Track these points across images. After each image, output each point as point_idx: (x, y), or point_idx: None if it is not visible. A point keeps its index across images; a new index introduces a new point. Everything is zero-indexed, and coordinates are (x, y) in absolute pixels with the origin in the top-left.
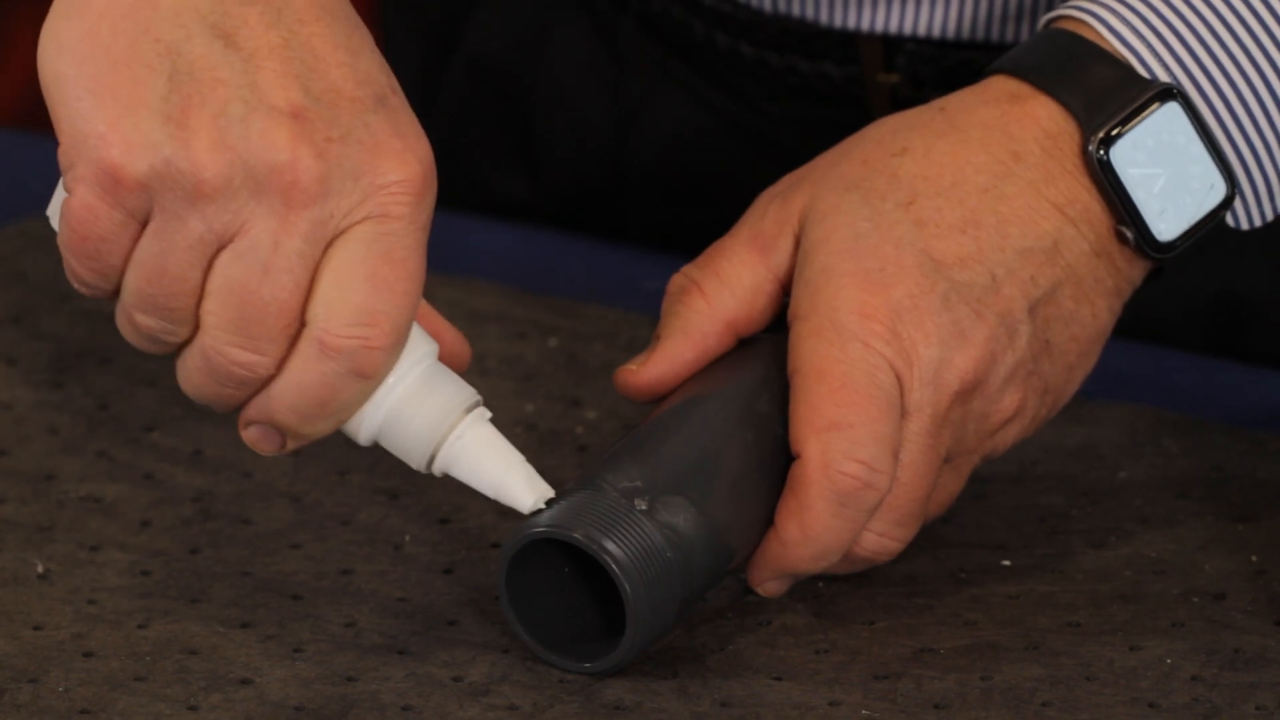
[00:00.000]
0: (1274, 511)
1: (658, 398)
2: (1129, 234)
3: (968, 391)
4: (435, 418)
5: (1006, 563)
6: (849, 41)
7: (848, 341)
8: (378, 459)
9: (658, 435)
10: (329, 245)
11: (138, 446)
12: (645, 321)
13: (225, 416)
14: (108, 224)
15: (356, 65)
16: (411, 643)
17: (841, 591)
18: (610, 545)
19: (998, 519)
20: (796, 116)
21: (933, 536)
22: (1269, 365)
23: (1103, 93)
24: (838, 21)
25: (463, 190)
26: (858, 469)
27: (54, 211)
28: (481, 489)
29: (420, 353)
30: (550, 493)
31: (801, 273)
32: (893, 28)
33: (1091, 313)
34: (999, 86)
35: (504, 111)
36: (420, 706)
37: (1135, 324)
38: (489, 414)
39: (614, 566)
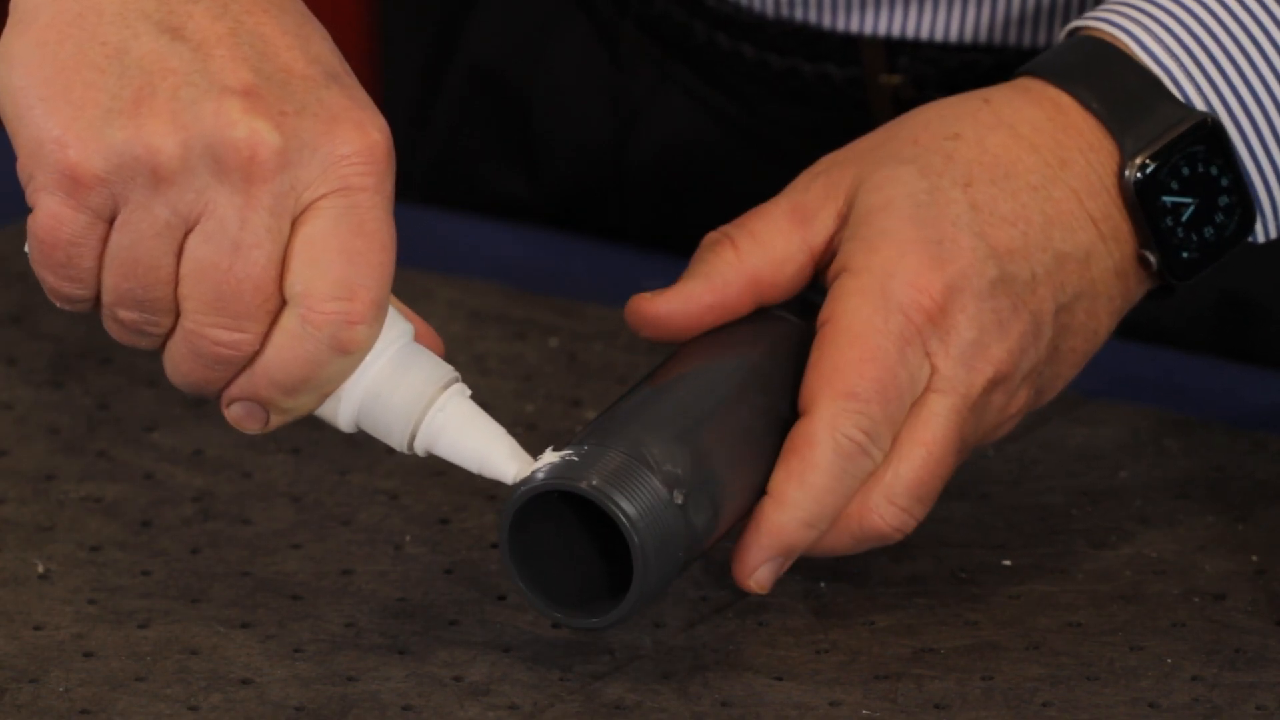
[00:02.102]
0: (1274, 511)
1: (664, 336)
2: (1152, 259)
3: (997, 381)
4: (414, 394)
5: (1007, 563)
6: (851, 44)
7: (892, 311)
8: (377, 459)
9: (699, 414)
10: (296, 220)
11: (138, 446)
12: None
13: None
14: (73, 228)
15: (306, 48)
16: (411, 643)
17: (841, 591)
18: (635, 517)
19: (998, 519)
20: (797, 119)
21: (933, 536)
22: (1274, 366)
23: (1142, 118)
24: (840, 25)
25: (463, 191)
26: (863, 439)
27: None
28: (465, 464)
29: (396, 331)
30: (533, 463)
31: (856, 231)
32: (895, 31)
33: (1094, 328)
34: (1040, 90)
35: (504, 113)
36: (420, 706)
37: (1141, 326)
38: (468, 390)
39: (628, 525)
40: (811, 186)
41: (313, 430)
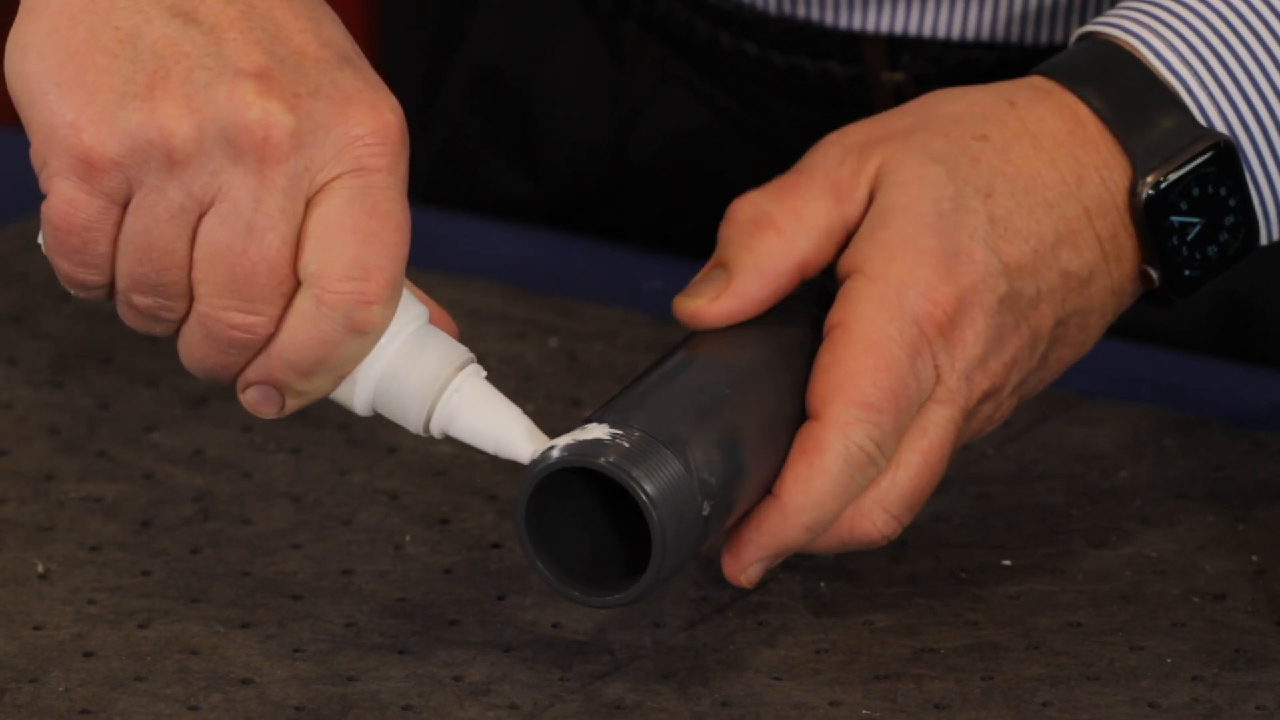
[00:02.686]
0: (1274, 511)
1: (709, 329)
2: (1154, 275)
3: (990, 393)
4: (429, 376)
5: (1007, 563)
6: (853, 42)
7: (906, 321)
8: (378, 459)
9: (733, 412)
10: (310, 201)
11: (138, 446)
12: (645, 321)
13: (225, 416)
14: (88, 212)
15: (319, 31)
16: (411, 643)
17: (841, 591)
18: (656, 496)
19: (998, 519)
20: (799, 117)
21: (933, 536)
22: (1274, 366)
23: (1157, 136)
24: (842, 23)
25: (463, 191)
26: (873, 449)
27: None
28: (481, 445)
29: (411, 314)
30: (550, 444)
31: (875, 231)
32: (898, 29)
33: (1084, 340)
34: (1060, 98)
35: (505, 112)
36: (420, 706)
37: (1141, 326)
38: (484, 372)
39: (650, 505)
40: (845, 161)
41: (313, 430)
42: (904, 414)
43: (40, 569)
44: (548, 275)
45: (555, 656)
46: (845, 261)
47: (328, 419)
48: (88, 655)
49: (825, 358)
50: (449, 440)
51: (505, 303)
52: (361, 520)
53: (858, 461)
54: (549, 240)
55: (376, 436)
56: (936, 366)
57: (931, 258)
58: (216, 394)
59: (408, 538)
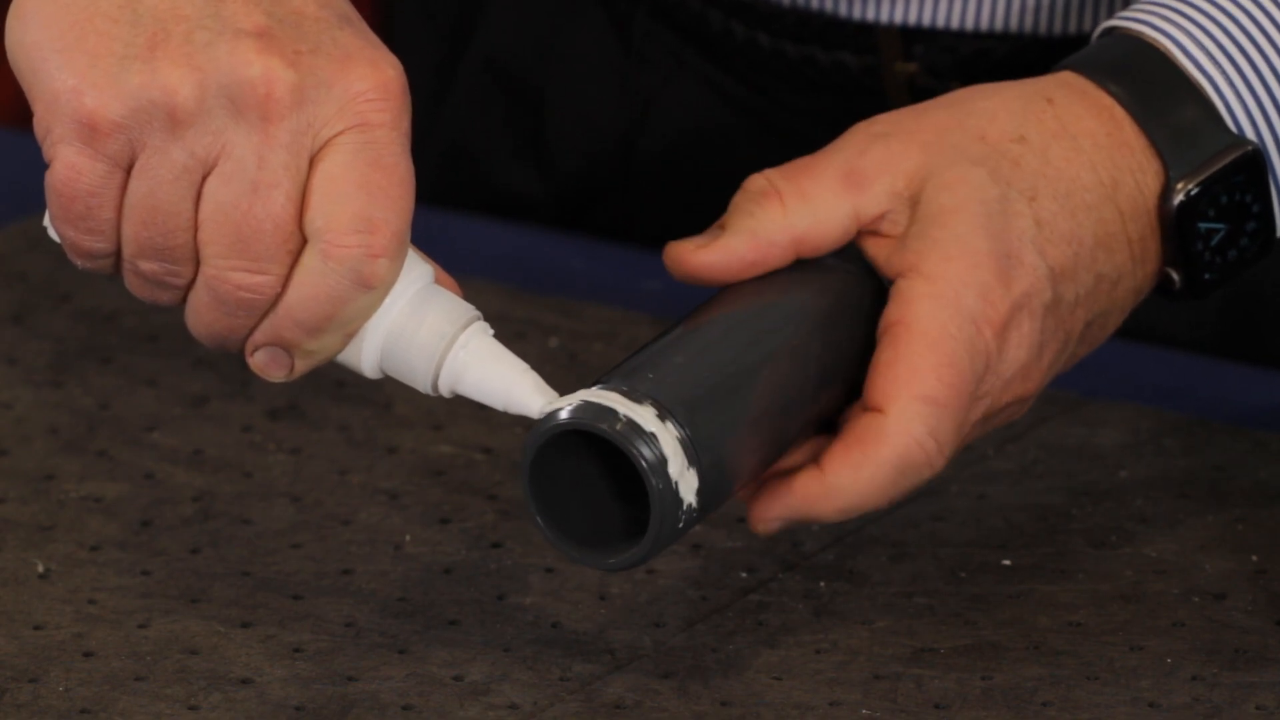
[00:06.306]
0: (1274, 511)
1: (699, 284)
2: (1176, 277)
3: (1024, 400)
4: (436, 333)
5: (1007, 563)
6: (867, 32)
7: (965, 321)
8: (378, 459)
9: (752, 397)
10: (313, 158)
11: (138, 446)
12: (645, 321)
13: (225, 417)
14: (92, 177)
15: None
16: (411, 643)
17: (841, 591)
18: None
19: (998, 519)
20: (812, 107)
21: (933, 536)
22: (1276, 365)
23: (1191, 143)
24: (856, 14)
25: (472, 187)
26: (933, 447)
27: (49, 221)
28: (489, 400)
29: (416, 273)
30: (558, 399)
31: (928, 231)
32: (911, 19)
33: (1101, 337)
34: (1095, 98)
35: (516, 106)
36: (420, 706)
37: (1143, 326)
38: (490, 329)
39: (649, 472)
40: (869, 151)
41: (312, 430)
42: (965, 411)
43: (40, 569)
44: (548, 275)
45: (555, 656)
46: (897, 261)
47: (328, 419)
48: (88, 655)
49: (886, 354)
50: (449, 440)
51: (505, 302)
52: (361, 520)
53: (914, 460)
54: (549, 239)
55: (376, 436)
56: (989, 367)
57: (988, 259)
58: (216, 394)
59: (408, 538)
